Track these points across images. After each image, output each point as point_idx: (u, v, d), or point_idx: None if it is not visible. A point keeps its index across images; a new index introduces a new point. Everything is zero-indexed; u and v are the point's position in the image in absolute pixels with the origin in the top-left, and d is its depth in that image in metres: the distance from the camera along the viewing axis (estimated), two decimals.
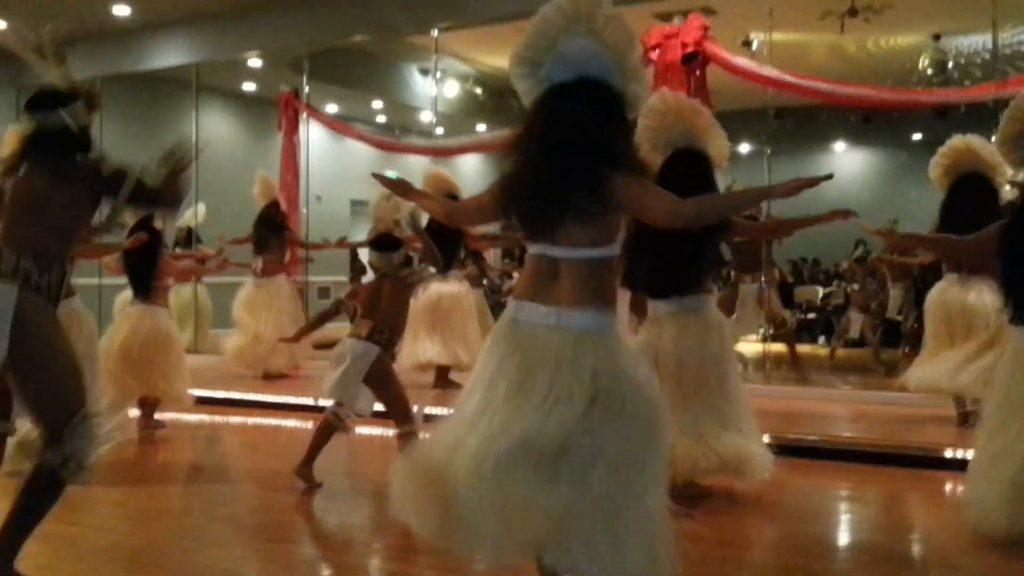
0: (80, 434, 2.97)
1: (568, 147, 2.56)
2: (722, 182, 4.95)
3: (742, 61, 7.25)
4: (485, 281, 8.43)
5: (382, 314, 4.62)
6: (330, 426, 4.62)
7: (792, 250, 11.11)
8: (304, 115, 9.53)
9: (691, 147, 4.37)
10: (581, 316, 2.53)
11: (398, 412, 4.63)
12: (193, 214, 9.65)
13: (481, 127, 11.28)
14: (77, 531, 3.82)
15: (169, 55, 10.09)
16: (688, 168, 4.26)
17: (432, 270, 4.67)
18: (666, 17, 7.54)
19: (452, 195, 7.31)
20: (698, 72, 7.12)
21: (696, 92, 6.91)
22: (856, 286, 10.35)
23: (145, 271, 6.11)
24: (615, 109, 2.65)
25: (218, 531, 4.02)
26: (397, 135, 12.23)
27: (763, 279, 7.97)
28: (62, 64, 3.32)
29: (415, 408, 4.64)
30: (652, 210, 2.56)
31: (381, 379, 4.59)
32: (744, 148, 9.51)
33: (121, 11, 9.51)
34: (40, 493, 2.99)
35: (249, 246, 8.43)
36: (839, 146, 12.46)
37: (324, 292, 10.15)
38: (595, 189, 2.51)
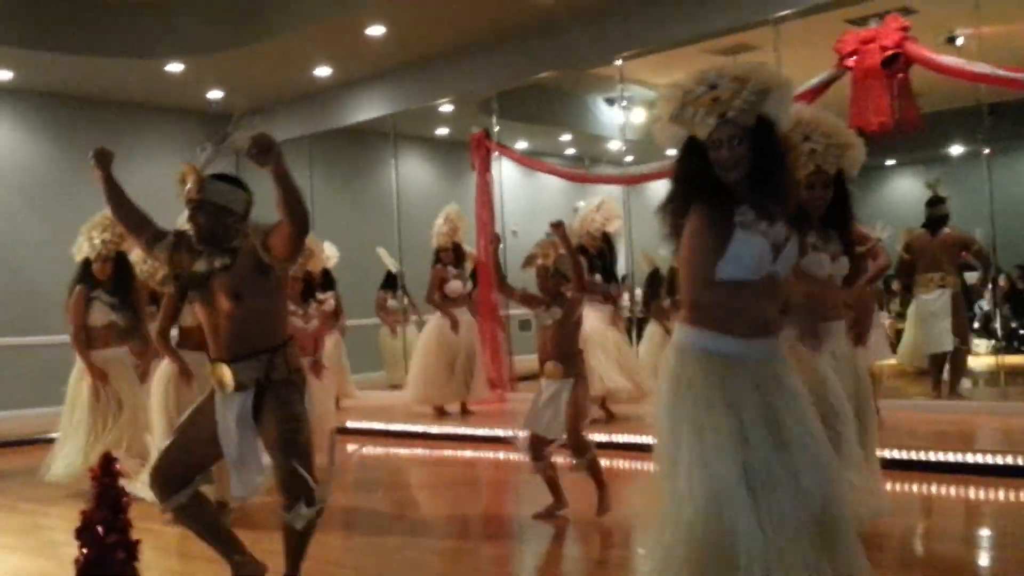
0: None
1: None
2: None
3: (949, 59, 6.78)
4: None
5: None
6: None
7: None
8: (496, 153, 9.75)
9: None
10: None
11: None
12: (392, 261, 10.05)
13: (671, 151, 11.14)
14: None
15: (368, 109, 10.66)
16: None
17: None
18: (860, 22, 7.20)
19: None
20: (901, 75, 6.74)
21: (900, 96, 6.57)
22: None
23: None
24: None
25: None
26: (587, 166, 12.30)
27: None
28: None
29: None
30: None
31: None
32: (956, 149, 8.90)
33: (323, 72, 10.14)
34: None
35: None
36: None
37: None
38: None
